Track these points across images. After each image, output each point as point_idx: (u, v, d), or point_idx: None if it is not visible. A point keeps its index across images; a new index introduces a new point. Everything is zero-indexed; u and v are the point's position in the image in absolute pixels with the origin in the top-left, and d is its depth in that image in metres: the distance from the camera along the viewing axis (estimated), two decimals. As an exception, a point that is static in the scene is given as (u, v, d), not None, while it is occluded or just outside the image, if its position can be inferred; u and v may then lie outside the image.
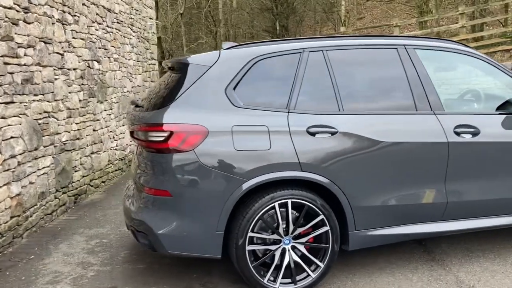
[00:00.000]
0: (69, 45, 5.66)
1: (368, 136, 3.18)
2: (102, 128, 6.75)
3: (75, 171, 5.77)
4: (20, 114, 4.48)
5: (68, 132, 5.57)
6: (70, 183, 5.58)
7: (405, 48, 3.47)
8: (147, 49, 9.68)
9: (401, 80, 3.39)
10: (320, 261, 3.21)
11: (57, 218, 5.17)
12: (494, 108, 3.56)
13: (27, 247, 4.26)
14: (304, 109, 3.18)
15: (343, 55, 3.38)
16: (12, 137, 4.31)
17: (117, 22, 7.65)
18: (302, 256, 3.19)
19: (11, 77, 4.34)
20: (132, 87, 8.42)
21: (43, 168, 4.92)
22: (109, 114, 7.11)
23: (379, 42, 3.50)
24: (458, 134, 3.34)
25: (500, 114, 3.51)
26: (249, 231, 3.05)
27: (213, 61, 3.21)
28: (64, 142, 5.46)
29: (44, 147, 4.95)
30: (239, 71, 3.18)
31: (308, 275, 3.19)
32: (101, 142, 6.71)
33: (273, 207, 3.08)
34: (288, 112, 3.15)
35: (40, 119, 4.87)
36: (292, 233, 3.16)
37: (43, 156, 4.93)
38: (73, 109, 5.74)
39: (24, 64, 4.58)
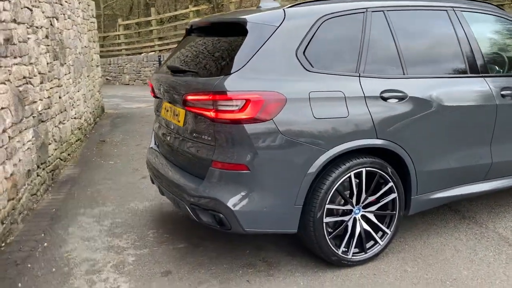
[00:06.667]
0: (35, -2, 4.87)
1: (433, 100, 3.15)
2: (65, 94, 6.02)
3: (49, 144, 5.10)
4: (6, 80, 3.79)
5: (42, 100, 4.87)
6: (47, 158, 4.94)
7: (454, 10, 3.45)
8: (89, 5, 8.76)
9: (453, 43, 3.38)
10: (387, 228, 3.18)
11: (42, 198, 4.57)
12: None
13: (30, 234, 3.72)
14: (373, 73, 3.05)
15: (402, 16, 3.27)
16: (2, 108, 3.66)
17: (66, -27, 6.75)
18: (369, 224, 3.14)
19: (-6, 36, 3.64)
20: (82, 48, 7.60)
21: (27, 142, 4.27)
22: (69, 79, 6.36)
23: (431, 4, 3.43)
24: (504, 96, 3.45)
25: None
26: (327, 203, 2.91)
27: (279, 20, 2.93)
28: (40, 112, 4.78)
29: (26, 118, 4.29)
30: (308, 32, 2.94)
31: (376, 242, 3.16)
32: (65, 110, 6.00)
33: (349, 177, 2.96)
34: (359, 76, 3.00)
35: (20, 86, 4.18)
36: (362, 202, 3.08)
37: (26, 129, 4.27)
38: (43, 73, 5.01)
39: (4, 21, 3.85)
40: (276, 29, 2.90)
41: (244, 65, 2.79)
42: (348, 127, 2.89)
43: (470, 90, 3.36)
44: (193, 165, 3.06)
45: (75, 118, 6.66)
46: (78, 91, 7.03)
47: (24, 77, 4.31)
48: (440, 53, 3.38)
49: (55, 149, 5.35)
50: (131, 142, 7.00)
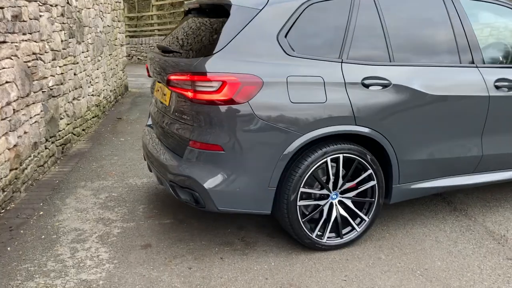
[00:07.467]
0: (50, -23, 5.03)
1: (418, 89, 3.10)
2: (81, 72, 6.22)
3: (60, 119, 5.32)
4: (12, 55, 3.97)
5: (54, 76, 5.07)
6: (57, 132, 5.16)
7: (450, -4, 3.36)
8: (114, -15, 8.91)
9: (447, 31, 3.30)
10: (365, 215, 3.19)
11: (49, 170, 4.79)
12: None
13: (30, 202, 3.93)
14: (357, 59, 3.03)
15: (393, 1, 3.21)
16: (7, 82, 3.84)
17: (89, -47, 6.90)
18: (347, 210, 3.16)
19: (1, 12, 3.80)
20: (103, 27, 7.79)
21: (35, 116, 4.48)
22: (86, 57, 6.55)
23: (425, -10, 3.35)
24: (498, 88, 3.36)
25: None
26: (301, 186, 2.95)
27: (263, 3, 2.95)
28: (51, 88, 4.97)
29: (34, 93, 4.48)
30: (291, 16, 2.95)
31: (353, 228, 3.18)
32: (81, 87, 6.20)
33: (325, 162, 2.98)
34: (342, 62, 2.99)
35: (29, 61, 4.36)
36: (340, 188, 3.09)
37: (34, 103, 4.47)
38: (57, 50, 5.20)
39: (12, -2, 4.02)
40: (259, 12, 2.92)
41: (224, 47, 2.83)
42: (325, 112, 2.89)
43: (460, 79, 3.29)
44: (176, 144, 3.15)
45: (92, 95, 6.87)
46: (97, 69, 7.23)
47: (34, 53, 4.49)
48: (432, 41, 3.30)
49: (68, 124, 5.56)
50: (145, 121, 7.15)
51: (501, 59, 3.62)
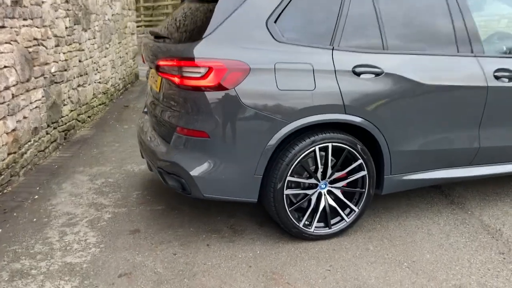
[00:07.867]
0: (54, -37, 5.05)
1: (412, 78, 3.02)
2: (87, 59, 6.25)
3: (64, 105, 5.36)
4: (12, 40, 4.01)
5: (57, 62, 5.10)
6: (60, 118, 5.20)
7: (449, -18, 3.26)
8: (125, -27, 8.91)
9: (444, 18, 3.20)
10: (355, 206, 3.15)
11: (50, 155, 4.84)
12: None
13: (27, 186, 3.98)
14: (349, 46, 2.96)
15: (388, -12, 3.13)
16: (5, 67, 3.88)
17: None
18: (337, 201, 3.12)
19: (0, -3, 3.83)
20: (112, 15, 7.81)
21: (35, 101, 4.52)
22: (93, 44, 6.58)
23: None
24: (497, 78, 3.26)
25: None
26: (288, 175, 2.91)
27: (252, -11, 2.90)
28: (53, 74, 5.01)
29: (35, 78, 4.52)
30: (282, 1, 2.89)
31: (342, 219, 3.14)
32: (86, 74, 6.24)
33: (314, 151, 2.94)
34: (333, 49, 2.93)
35: (30, 47, 4.40)
36: (329, 178, 3.05)
37: (35, 89, 4.51)
38: (60, 36, 5.23)
39: (12, -17, 4.05)
40: (248, -2, 2.87)
41: (212, 32, 2.80)
42: (314, 100, 2.84)
43: (457, 69, 3.19)
44: (165, 130, 3.13)
45: (99, 82, 6.92)
46: (105, 57, 7.27)
47: (35, 39, 4.52)
48: (428, 29, 3.19)
49: (72, 110, 5.61)
50: (152, 109, 7.18)
51: (504, 49, 3.50)
